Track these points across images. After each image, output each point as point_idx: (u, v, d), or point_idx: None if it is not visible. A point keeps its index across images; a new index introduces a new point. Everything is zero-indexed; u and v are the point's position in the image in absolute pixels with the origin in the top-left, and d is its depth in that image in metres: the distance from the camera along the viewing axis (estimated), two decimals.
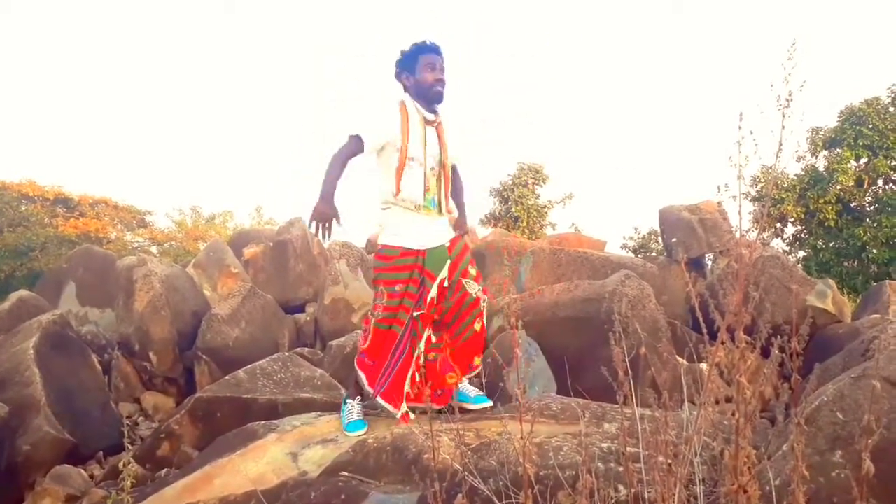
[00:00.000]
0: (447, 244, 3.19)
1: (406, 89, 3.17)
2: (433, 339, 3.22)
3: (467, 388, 3.31)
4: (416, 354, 3.14)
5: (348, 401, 3.23)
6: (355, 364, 3.26)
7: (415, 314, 3.10)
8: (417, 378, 3.18)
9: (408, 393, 3.13)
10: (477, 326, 3.22)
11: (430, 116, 3.13)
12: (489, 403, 3.24)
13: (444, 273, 3.14)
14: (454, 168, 3.34)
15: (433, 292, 3.11)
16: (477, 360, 3.31)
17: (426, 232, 3.14)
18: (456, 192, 3.39)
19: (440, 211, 3.18)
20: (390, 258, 3.12)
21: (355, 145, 3.04)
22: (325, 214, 2.92)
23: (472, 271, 3.23)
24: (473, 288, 3.19)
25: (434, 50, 3.12)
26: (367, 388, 3.17)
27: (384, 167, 3.12)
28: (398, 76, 3.18)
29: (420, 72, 3.09)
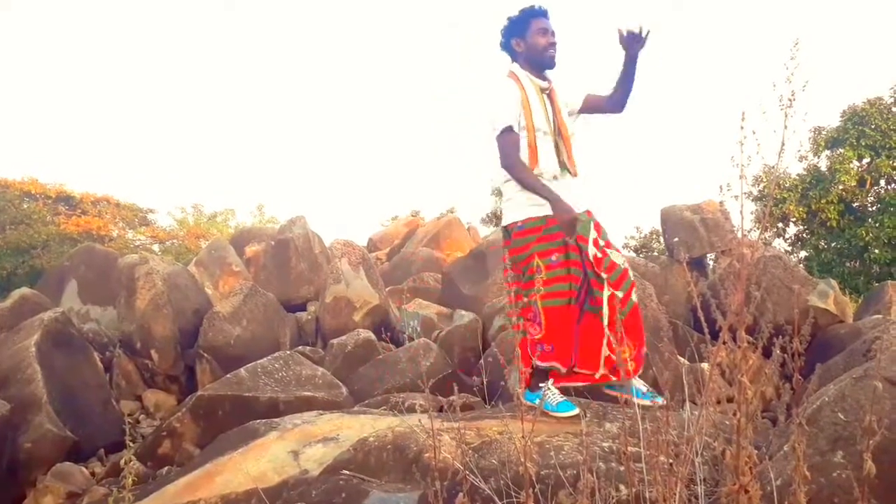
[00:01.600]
0: (586, 209, 3.03)
1: (515, 57, 3.08)
2: (618, 295, 2.92)
3: (639, 382, 3.03)
4: (604, 321, 2.89)
5: (541, 387, 2.97)
6: (534, 362, 3.00)
7: (588, 275, 2.90)
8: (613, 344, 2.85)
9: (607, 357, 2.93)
10: (634, 298, 2.97)
11: (544, 84, 3.05)
12: (659, 401, 2.86)
13: (593, 233, 2.95)
14: (593, 97, 3.15)
15: (592, 250, 2.91)
16: (644, 349, 3.03)
17: (568, 198, 2.96)
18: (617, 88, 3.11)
19: (572, 174, 3.07)
20: (537, 229, 2.95)
21: (514, 137, 2.98)
22: (571, 213, 2.87)
23: (613, 244, 3.04)
24: (619, 258, 2.96)
25: (545, 14, 3.03)
26: (561, 368, 2.96)
27: None
28: (506, 45, 3.09)
29: (532, 36, 3.01)
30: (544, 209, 2.95)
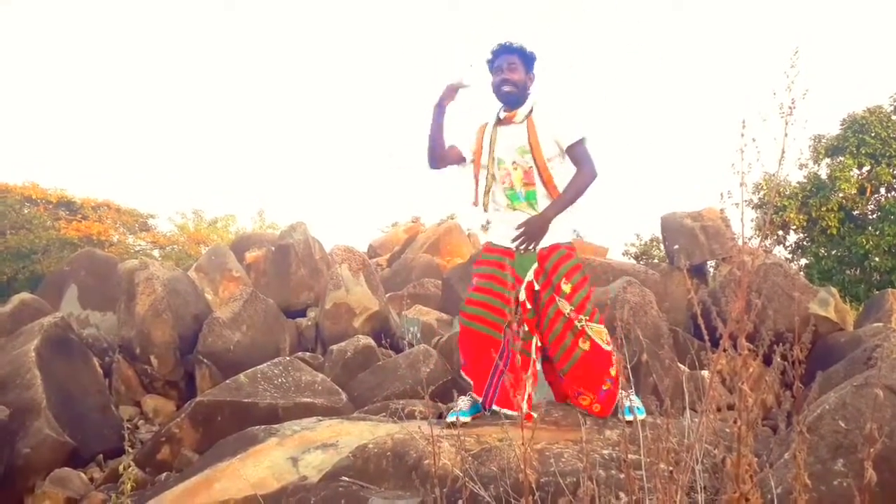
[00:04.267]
0: (538, 248, 3.06)
1: None
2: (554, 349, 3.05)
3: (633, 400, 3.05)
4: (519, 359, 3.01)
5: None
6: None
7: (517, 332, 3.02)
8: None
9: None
10: (584, 346, 2.97)
11: (503, 115, 3.13)
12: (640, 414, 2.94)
13: (530, 276, 3.04)
14: (576, 151, 3.06)
15: (521, 295, 3.03)
16: (606, 385, 3.02)
17: (512, 230, 3.07)
18: (568, 183, 3.12)
19: (534, 205, 3.09)
20: (483, 252, 3.27)
21: (454, 152, 3.25)
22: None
23: (566, 287, 3.00)
24: (566, 308, 2.97)
25: (503, 51, 3.10)
26: (475, 397, 3.18)
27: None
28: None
29: (492, 75, 3.13)
30: (496, 238, 3.17)
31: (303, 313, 8.44)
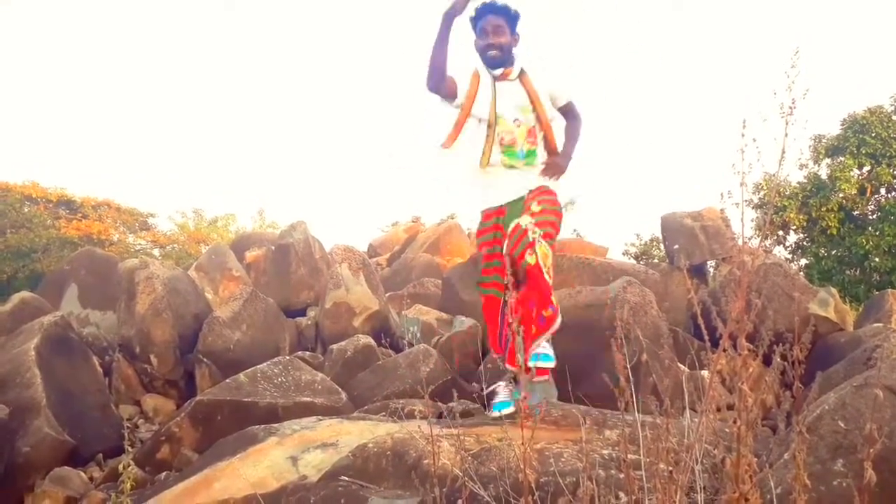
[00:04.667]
0: (525, 195, 3.05)
1: None
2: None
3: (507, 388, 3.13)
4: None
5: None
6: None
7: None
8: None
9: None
10: (530, 259, 2.87)
11: (496, 72, 3.07)
12: (507, 409, 3.09)
13: (511, 226, 3.00)
14: (569, 108, 3.18)
15: (505, 248, 2.98)
16: (546, 311, 2.96)
17: (505, 187, 3.07)
18: (567, 128, 3.23)
19: (532, 163, 3.08)
20: (481, 222, 3.20)
21: (451, 83, 3.05)
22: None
23: (535, 207, 2.98)
24: (525, 221, 2.94)
25: (489, 10, 3.03)
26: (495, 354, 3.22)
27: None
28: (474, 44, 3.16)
29: (476, 38, 3.09)
30: (485, 200, 3.13)
31: (303, 312, 8.44)
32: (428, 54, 2.98)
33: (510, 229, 2.99)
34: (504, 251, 2.98)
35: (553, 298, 2.99)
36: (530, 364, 2.92)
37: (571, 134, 3.21)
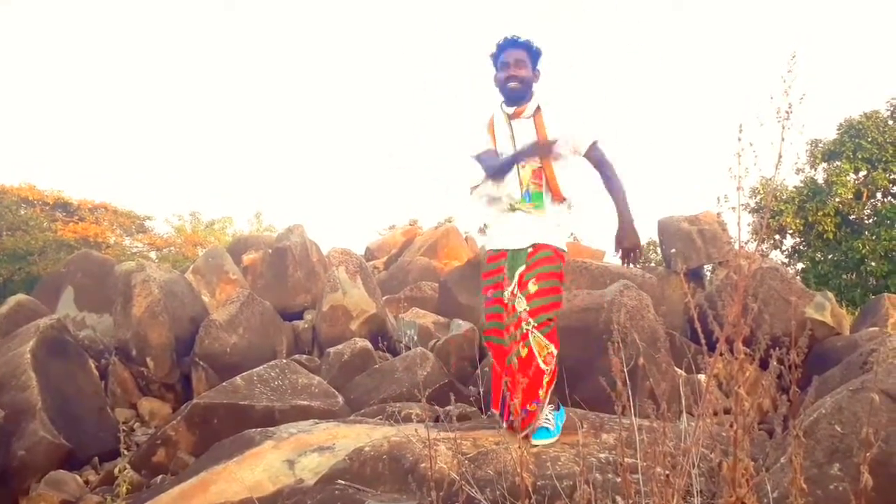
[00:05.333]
0: (529, 249, 2.96)
1: None
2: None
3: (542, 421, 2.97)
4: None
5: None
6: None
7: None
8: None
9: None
10: (523, 352, 2.82)
11: (510, 109, 3.04)
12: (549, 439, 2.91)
13: (514, 281, 2.93)
14: (597, 155, 3.06)
15: (506, 295, 2.90)
16: (531, 406, 2.86)
17: (510, 231, 3.00)
18: (606, 181, 3.08)
19: (540, 206, 2.98)
20: (486, 264, 3.13)
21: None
22: None
23: (532, 287, 2.89)
24: (521, 305, 2.86)
25: (510, 45, 3.01)
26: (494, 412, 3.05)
27: None
28: (494, 80, 3.13)
29: (497, 71, 3.06)
30: (491, 242, 3.08)
31: (300, 316, 8.43)
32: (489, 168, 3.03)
33: (514, 282, 2.94)
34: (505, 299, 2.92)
35: (540, 392, 2.90)
36: (534, 440, 2.83)
37: (615, 189, 3.05)
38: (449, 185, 3.26)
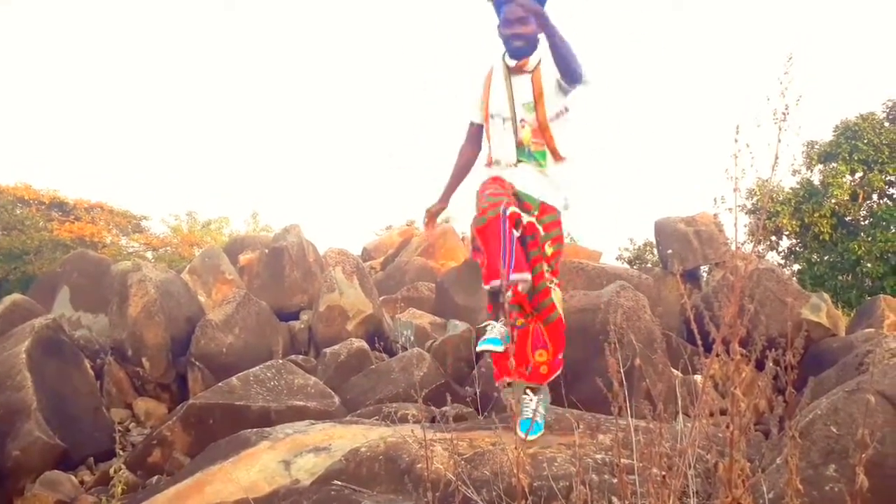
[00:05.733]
0: (538, 202, 2.95)
1: None
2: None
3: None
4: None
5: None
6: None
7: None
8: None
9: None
10: (553, 317, 2.98)
11: (512, 63, 2.96)
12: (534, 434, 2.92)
13: (527, 217, 2.91)
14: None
15: (526, 218, 2.90)
16: (543, 369, 3.01)
17: (519, 175, 2.97)
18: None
19: (543, 167, 2.96)
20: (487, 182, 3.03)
21: (471, 129, 3.14)
22: (427, 217, 3.22)
23: (549, 250, 2.97)
24: (546, 273, 2.97)
25: None
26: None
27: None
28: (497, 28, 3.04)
29: (500, 25, 2.97)
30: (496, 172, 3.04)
31: (296, 316, 8.42)
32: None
33: (528, 244, 2.93)
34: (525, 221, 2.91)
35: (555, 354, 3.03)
36: (525, 436, 2.83)
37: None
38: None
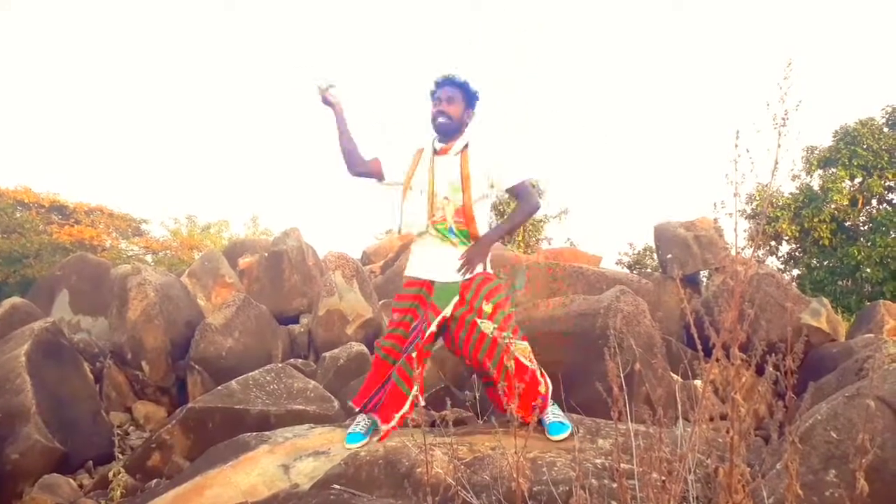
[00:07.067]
0: (461, 280, 3.06)
1: None
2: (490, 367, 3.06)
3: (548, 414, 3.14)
4: (409, 392, 3.03)
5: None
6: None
7: (410, 350, 3.03)
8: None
9: (404, 415, 3.05)
10: (509, 365, 2.93)
11: (438, 146, 3.13)
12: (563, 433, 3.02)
13: (447, 310, 3.03)
14: (519, 188, 3.16)
15: (432, 327, 3.03)
16: (536, 401, 2.98)
17: (435, 263, 3.11)
18: (515, 210, 3.31)
19: (461, 241, 3.09)
20: (403, 287, 3.24)
21: (375, 164, 3.21)
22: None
23: (487, 308, 3.02)
24: (488, 328, 2.99)
25: (447, 83, 3.11)
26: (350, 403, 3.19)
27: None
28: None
29: (432, 106, 3.14)
30: (413, 269, 3.22)
31: (295, 320, 8.41)
32: (337, 146, 3.20)
33: (446, 312, 3.04)
34: (431, 329, 3.03)
35: (540, 388, 3.07)
36: (551, 436, 2.99)
37: (514, 213, 3.29)
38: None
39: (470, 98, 3.13)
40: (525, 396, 2.93)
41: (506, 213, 18.25)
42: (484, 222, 3.12)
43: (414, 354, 3.00)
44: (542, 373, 3.11)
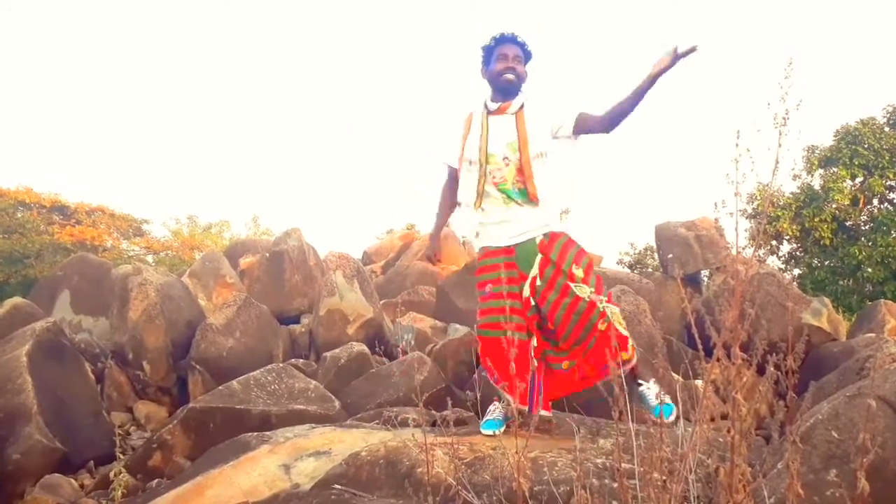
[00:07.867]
0: (538, 238, 3.01)
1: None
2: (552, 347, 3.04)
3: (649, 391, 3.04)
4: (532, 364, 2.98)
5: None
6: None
7: (514, 319, 2.90)
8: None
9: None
10: (601, 326, 2.89)
11: (494, 105, 3.07)
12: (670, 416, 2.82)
13: (534, 270, 2.98)
14: (586, 115, 2.99)
15: (526, 291, 2.97)
16: (623, 355, 2.94)
17: (507, 226, 3.05)
18: (618, 106, 2.91)
19: (527, 202, 3.03)
20: (481, 259, 3.15)
21: (448, 171, 3.26)
22: (431, 248, 3.52)
23: (578, 272, 2.94)
24: (584, 292, 2.91)
25: (510, 40, 3.05)
26: (514, 402, 2.98)
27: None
28: (482, 73, 3.16)
29: (493, 63, 3.07)
30: (484, 241, 3.13)
31: (296, 320, 8.41)
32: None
33: (533, 274, 2.98)
34: (532, 298, 2.97)
35: (624, 354, 2.97)
36: (666, 419, 2.78)
37: (630, 96, 2.88)
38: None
39: (527, 58, 3.11)
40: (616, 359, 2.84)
41: None
42: (543, 180, 3.03)
43: (523, 322, 2.95)
44: (633, 345, 3.06)
